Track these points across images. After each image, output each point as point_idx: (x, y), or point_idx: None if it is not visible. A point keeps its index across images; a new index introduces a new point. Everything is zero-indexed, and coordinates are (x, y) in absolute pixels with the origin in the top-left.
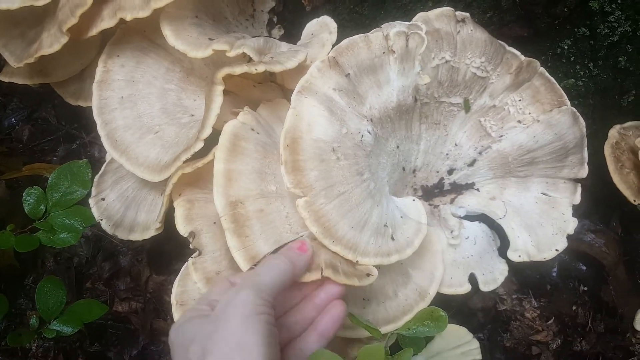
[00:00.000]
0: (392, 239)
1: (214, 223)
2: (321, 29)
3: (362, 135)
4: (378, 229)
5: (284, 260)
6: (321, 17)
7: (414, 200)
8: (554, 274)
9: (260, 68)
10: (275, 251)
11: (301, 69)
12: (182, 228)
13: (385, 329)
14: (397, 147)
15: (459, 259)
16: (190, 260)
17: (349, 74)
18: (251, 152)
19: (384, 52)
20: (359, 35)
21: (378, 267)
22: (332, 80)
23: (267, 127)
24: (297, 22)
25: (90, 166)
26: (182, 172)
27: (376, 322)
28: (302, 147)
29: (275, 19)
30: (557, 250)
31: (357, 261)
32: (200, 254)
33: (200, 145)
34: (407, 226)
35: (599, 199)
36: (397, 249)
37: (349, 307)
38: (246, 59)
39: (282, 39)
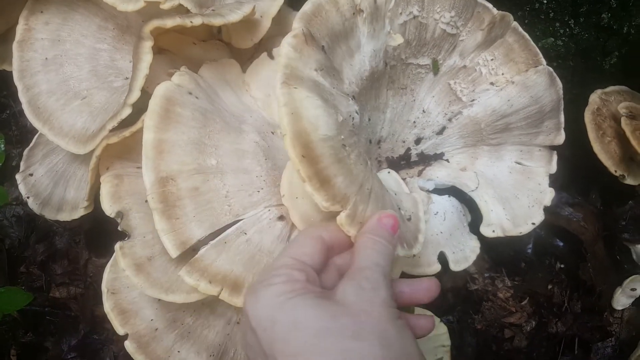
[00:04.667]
0: (409, 219)
1: (146, 201)
2: None
3: (353, 118)
4: (401, 216)
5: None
6: None
7: (389, 172)
8: (529, 251)
9: (197, 21)
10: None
11: (250, 24)
12: (108, 207)
13: None
14: (369, 119)
15: (427, 237)
16: (117, 244)
17: (323, 46)
18: (187, 119)
19: (353, 13)
20: None
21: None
22: (312, 58)
23: (209, 92)
24: None
25: (2, 136)
26: (107, 142)
27: None
28: (318, 153)
29: None
30: (533, 223)
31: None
32: (129, 237)
33: (127, 111)
34: (405, 202)
35: (578, 170)
36: (417, 228)
37: None
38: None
39: None
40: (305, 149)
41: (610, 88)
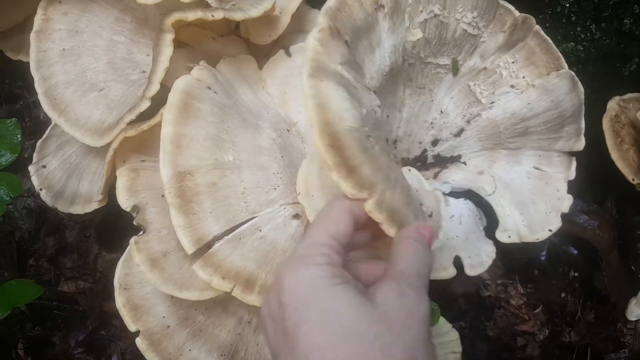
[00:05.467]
0: (430, 216)
1: (162, 196)
2: None
3: (375, 112)
4: (423, 212)
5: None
6: None
7: (409, 169)
8: (543, 258)
9: (218, 15)
10: None
11: (269, 20)
12: (124, 201)
13: None
14: (387, 116)
15: (443, 240)
16: (133, 239)
17: (347, 41)
18: (206, 114)
19: (375, 9)
20: None
21: None
22: (337, 52)
23: (227, 87)
24: None
25: (19, 127)
26: (125, 135)
27: None
28: (345, 143)
29: None
30: (550, 230)
31: None
32: (144, 231)
33: (146, 104)
34: (426, 199)
35: (594, 177)
36: (438, 225)
37: None
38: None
39: None
40: (333, 139)
41: (629, 95)
